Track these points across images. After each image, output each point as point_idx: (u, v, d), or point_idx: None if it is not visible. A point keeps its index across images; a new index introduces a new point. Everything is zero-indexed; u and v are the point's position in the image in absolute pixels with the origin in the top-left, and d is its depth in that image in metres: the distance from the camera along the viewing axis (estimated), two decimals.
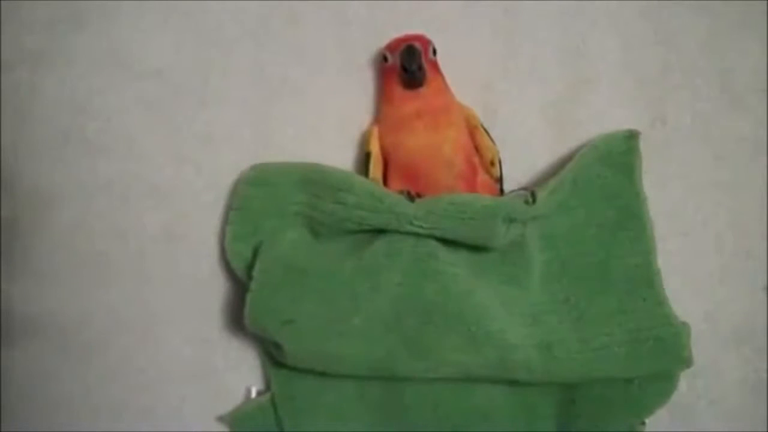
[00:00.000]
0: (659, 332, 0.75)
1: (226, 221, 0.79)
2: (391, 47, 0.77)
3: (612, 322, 0.76)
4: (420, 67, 0.76)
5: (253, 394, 0.80)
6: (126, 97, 0.81)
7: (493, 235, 0.74)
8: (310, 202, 0.77)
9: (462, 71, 0.80)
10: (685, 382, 0.78)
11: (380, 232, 0.75)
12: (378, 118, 0.80)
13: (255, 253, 0.76)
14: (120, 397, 0.80)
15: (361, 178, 0.78)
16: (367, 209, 0.75)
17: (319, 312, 0.74)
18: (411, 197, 0.75)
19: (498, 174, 0.80)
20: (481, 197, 0.76)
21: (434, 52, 0.78)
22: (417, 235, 0.74)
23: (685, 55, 0.83)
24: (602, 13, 0.83)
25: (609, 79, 0.83)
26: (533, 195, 0.76)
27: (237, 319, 0.76)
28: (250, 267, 0.76)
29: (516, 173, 0.81)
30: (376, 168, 0.79)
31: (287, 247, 0.77)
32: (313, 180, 0.77)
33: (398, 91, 0.77)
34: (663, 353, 0.75)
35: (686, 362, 0.76)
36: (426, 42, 0.77)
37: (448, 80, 0.79)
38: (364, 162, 0.79)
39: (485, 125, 0.80)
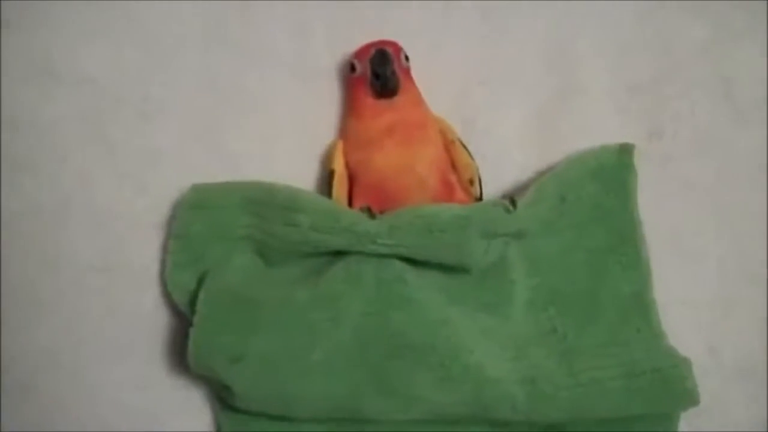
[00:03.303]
0: (657, 364, 0.76)
1: (166, 250, 0.80)
2: (359, 54, 0.79)
3: (604, 355, 0.76)
4: (393, 72, 0.77)
5: None
6: (57, 108, 0.81)
7: (468, 251, 0.75)
8: (259, 224, 0.78)
9: (436, 79, 0.82)
10: (686, 421, 0.79)
11: (339, 254, 0.76)
12: (343, 131, 0.82)
13: (199, 283, 0.77)
14: None
15: (313, 195, 0.79)
16: (322, 230, 0.75)
17: (273, 347, 0.74)
18: (372, 214, 0.76)
19: (478, 193, 0.81)
20: (451, 207, 0.76)
21: (406, 58, 0.79)
22: (381, 256, 0.75)
23: (683, 62, 0.84)
24: (592, 15, 0.84)
25: (599, 87, 0.84)
26: (513, 201, 0.76)
27: (184, 358, 0.76)
28: (194, 299, 0.77)
29: (497, 192, 0.82)
30: (340, 188, 0.80)
31: (234, 276, 0.77)
32: (259, 200, 0.78)
33: (368, 102, 0.78)
34: (663, 388, 0.75)
35: (690, 398, 0.76)
36: (397, 48, 0.79)
37: (421, 89, 0.80)
38: (327, 181, 0.80)
39: (462, 139, 0.81)
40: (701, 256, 0.83)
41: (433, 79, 0.82)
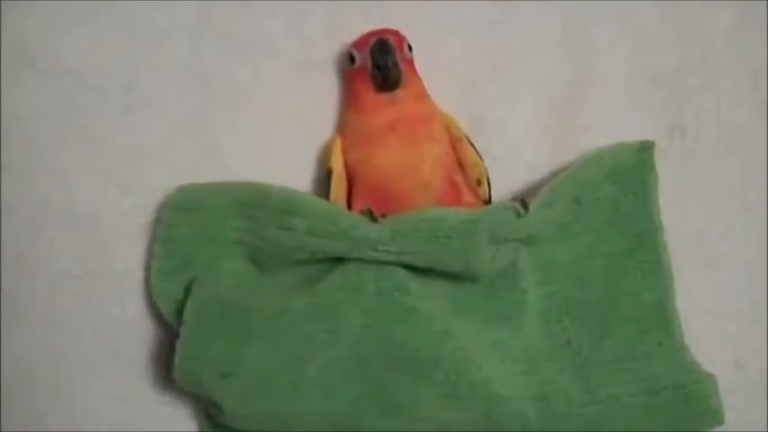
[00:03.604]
0: (679, 380, 0.76)
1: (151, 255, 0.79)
2: (359, 44, 0.78)
3: (622, 370, 0.76)
4: (395, 64, 0.76)
5: None
6: (35, 101, 0.80)
7: (476, 259, 0.74)
8: (251, 228, 0.77)
9: (441, 71, 0.81)
10: None
11: (338, 261, 0.75)
12: (342, 127, 0.81)
13: (187, 291, 0.77)
14: None
15: (310, 197, 0.79)
16: (319, 235, 0.75)
17: (265, 361, 0.74)
18: (373, 217, 0.75)
19: (486, 195, 0.80)
20: (458, 211, 0.75)
21: (410, 48, 0.78)
22: (382, 263, 0.74)
23: (707, 53, 0.84)
24: (610, 1, 0.83)
25: (618, 80, 0.83)
26: (524, 203, 0.76)
27: (170, 371, 0.76)
28: (181, 308, 0.76)
29: (507, 193, 0.82)
30: (338, 188, 0.79)
31: (225, 283, 0.77)
32: (251, 201, 0.77)
33: (369, 95, 0.77)
34: (685, 405, 0.75)
35: (715, 417, 0.76)
36: (399, 37, 0.78)
37: (425, 82, 0.80)
38: (324, 181, 0.80)
39: (470, 136, 0.80)
40: (727, 262, 0.83)
41: (439, 71, 0.81)
